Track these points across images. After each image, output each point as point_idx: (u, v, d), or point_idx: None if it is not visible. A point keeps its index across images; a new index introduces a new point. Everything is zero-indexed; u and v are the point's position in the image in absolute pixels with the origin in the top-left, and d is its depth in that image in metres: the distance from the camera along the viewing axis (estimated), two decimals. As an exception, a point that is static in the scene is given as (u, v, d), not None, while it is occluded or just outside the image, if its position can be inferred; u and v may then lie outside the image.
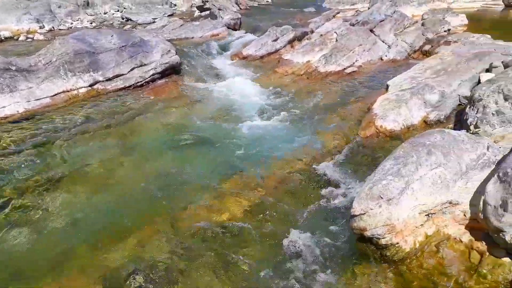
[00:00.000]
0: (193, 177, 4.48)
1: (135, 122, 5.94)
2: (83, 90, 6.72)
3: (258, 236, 3.52)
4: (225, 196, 4.10)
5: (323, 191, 4.10)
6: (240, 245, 3.42)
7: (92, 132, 5.49)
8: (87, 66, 6.88)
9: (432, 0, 15.66)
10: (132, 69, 7.47)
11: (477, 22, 12.70)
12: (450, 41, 8.51)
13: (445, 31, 9.61)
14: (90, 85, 6.91)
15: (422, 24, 10.03)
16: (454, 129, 5.00)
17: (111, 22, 14.94)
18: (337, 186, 4.17)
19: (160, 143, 5.34)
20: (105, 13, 17.07)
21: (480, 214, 2.75)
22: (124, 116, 6.07)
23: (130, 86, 7.30)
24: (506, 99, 4.32)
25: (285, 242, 3.38)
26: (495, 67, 6.03)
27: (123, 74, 7.34)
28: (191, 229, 3.61)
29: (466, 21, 11.29)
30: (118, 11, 17.33)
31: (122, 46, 7.67)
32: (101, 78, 7.06)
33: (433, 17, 10.73)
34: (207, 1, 14.44)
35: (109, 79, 7.16)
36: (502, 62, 6.25)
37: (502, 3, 16.37)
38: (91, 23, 14.62)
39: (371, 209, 2.93)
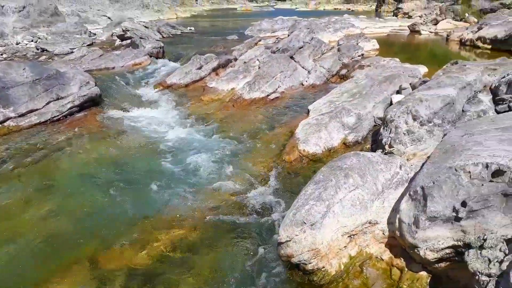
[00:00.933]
0: (116, 215, 4.25)
1: (51, 159, 5.56)
2: (-9, 128, 6.22)
3: (186, 271, 3.39)
4: (152, 233, 3.93)
5: (252, 219, 4.07)
6: (168, 283, 3.26)
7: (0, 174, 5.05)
8: (-5, 102, 6.40)
9: (346, 27, 16.70)
10: (47, 103, 7.07)
11: (387, 46, 13.73)
12: (364, 65, 9.06)
13: (359, 56, 10.23)
14: (0, 122, 6.42)
15: (338, 50, 10.60)
16: (371, 148, 5.27)
17: (25, 53, 14.08)
18: (264, 213, 4.17)
19: (78, 180, 5.02)
20: (17, 44, 16.09)
21: (397, 232, 2.87)
22: (38, 153, 5.66)
23: (46, 121, 6.88)
24: (414, 119, 4.63)
25: (216, 275, 3.29)
26: (404, 88, 6.49)
27: (38, 109, 6.91)
28: (115, 272, 3.39)
29: (377, 46, 12.14)
30: (32, 41, 16.43)
31: (36, 79, 7.24)
32: (12, 114, 6.60)
33: (347, 43, 11.39)
34: (128, 30, 14.17)
35: (22, 115, 6.71)
36: (410, 83, 6.75)
37: (408, 29, 17.91)
38: (1, 55, 13.68)
39: (296, 235, 2.94)
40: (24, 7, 18.87)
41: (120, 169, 5.30)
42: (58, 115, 7.04)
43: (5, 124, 6.50)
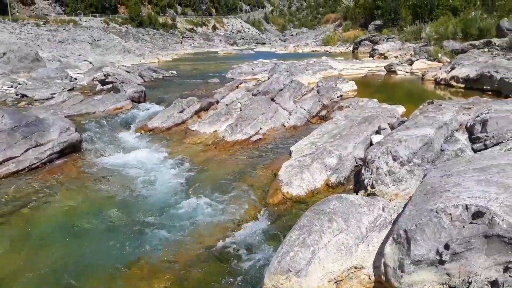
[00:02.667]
0: (95, 267, 4.10)
1: (28, 209, 5.40)
2: (-34, 178, 6.06)
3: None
4: (131, 283, 3.79)
5: (235, 266, 3.98)
6: None
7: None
8: (-29, 150, 6.27)
9: (324, 69, 17.21)
10: (26, 150, 6.94)
11: (365, 87, 14.12)
12: (343, 106, 9.27)
13: (338, 97, 10.49)
14: (-25, 171, 6.28)
15: (318, 92, 10.87)
16: (354, 189, 5.30)
17: (4, 100, 13.97)
18: (247, 259, 4.09)
19: (56, 230, 4.87)
20: (-4, 90, 16.00)
21: (382, 276, 2.85)
22: (14, 204, 5.50)
23: (24, 169, 6.74)
24: (394, 160, 4.72)
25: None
26: (383, 129, 6.64)
27: (15, 157, 6.77)
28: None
29: (355, 87, 12.48)
30: (12, 87, 16.36)
31: (15, 127, 7.15)
32: (-12, 163, 6.46)
33: (326, 85, 11.70)
34: (109, 75, 14.28)
35: (-1, 163, 6.57)
36: (388, 124, 6.90)
37: (384, 69, 18.53)
38: (-20, 101, 13.54)
39: (282, 284, 2.89)
40: (4, 54, 18.93)
41: (99, 217, 5.17)
42: (37, 162, 6.91)
43: (-19, 173, 6.36)
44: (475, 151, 5.00)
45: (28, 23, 46.55)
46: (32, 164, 6.84)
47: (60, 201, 5.67)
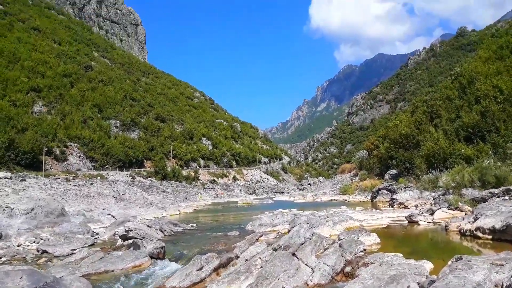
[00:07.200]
0: None
1: None
2: None
3: None
4: None
5: None
6: None
7: None
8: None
9: (345, 219, 17.08)
10: (39, 315, 6.70)
11: (388, 239, 13.76)
12: (368, 262, 8.92)
13: (361, 251, 10.16)
14: None
15: (340, 246, 10.60)
16: None
17: (24, 256, 14.00)
18: None
19: None
20: (18, 245, 16.14)
21: None
22: None
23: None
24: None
25: None
26: (413, 289, 6.27)
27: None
28: None
29: (378, 240, 12.18)
30: (34, 242, 16.53)
31: (32, 288, 7.04)
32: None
33: (348, 238, 11.47)
34: (131, 230, 14.42)
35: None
36: (417, 283, 6.54)
37: (406, 219, 18.26)
38: (0, 258, 13.56)
39: None
40: (32, 209, 19.61)
41: None
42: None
43: None
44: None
45: (58, 178, 49.38)
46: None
47: None
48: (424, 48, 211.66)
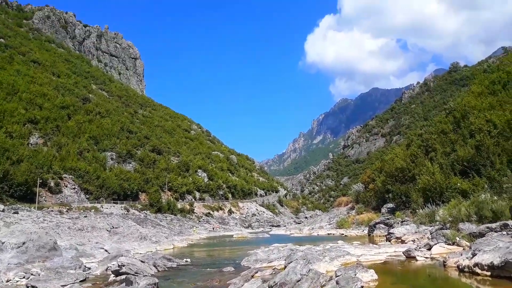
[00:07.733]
0: None
1: None
2: None
3: None
4: None
5: None
6: None
7: None
8: None
9: (342, 255, 16.83)
10: None
11: (386, 275, 13.52)
12: (365, 301, 8.72)
13: (359, 289, 9.97)
14: None
15: (337, 282, 10.41)
16: None
17: (13, 292, 13.63)
18: None
19: None
20: (7, 281, 15.73)
21: None
22: None
23: None
24: None
25: None
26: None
27: None
28: None
29: (375, 276, 11.96)
30: (24, 277, 16.11)
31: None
32: None
33: (345, 274, 11.27)
34: (124, 265, 14.12)
35: None
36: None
37: (403, 255, 18.01)
38: (-13, 296, 13.20)
39: None
40: (24, 243, 19.23)
41: None
42: None
43: None
44: None
45: (52, 210, 48.71)
46: None
47: None
48: (418, 82, 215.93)
